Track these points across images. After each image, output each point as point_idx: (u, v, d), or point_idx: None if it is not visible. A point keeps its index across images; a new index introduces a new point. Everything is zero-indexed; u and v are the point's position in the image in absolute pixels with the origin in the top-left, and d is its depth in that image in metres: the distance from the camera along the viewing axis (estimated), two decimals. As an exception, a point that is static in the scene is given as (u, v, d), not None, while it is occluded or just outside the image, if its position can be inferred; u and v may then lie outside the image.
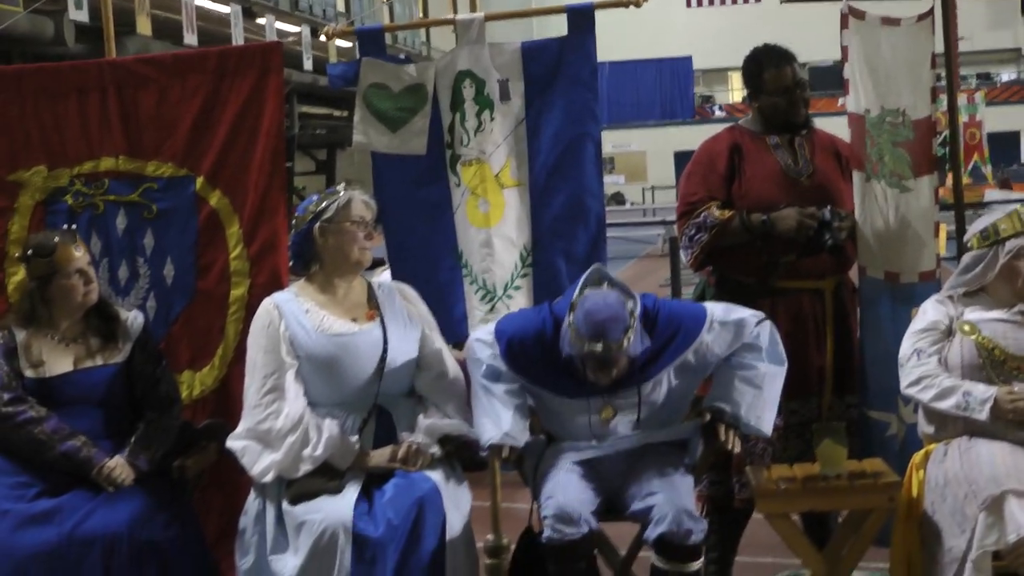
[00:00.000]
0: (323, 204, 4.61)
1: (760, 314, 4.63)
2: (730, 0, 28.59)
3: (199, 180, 5.13)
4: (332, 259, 4.62)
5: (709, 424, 4.55)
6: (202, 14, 16.69)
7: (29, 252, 4.68)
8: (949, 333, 4.52)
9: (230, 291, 5.11)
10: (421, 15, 31.45)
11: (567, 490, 4.36)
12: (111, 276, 5.16)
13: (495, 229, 5.16)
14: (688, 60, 36.27)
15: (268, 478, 4.40)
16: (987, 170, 25.75)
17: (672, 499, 4.30)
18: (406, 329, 4.63)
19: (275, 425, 4.43)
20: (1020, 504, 4.11)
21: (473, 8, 5.33)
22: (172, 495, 4.62)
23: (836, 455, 4.50)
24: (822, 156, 5.24)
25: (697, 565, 4.32)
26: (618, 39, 27.39)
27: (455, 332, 5.17)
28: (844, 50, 5.20)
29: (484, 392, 4.54)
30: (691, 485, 4.50)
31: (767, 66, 5.21)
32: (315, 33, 20.90)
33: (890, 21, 5.12)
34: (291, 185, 24.46)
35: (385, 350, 4.54)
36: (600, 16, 5.08)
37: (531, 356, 4.55)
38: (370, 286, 4.72)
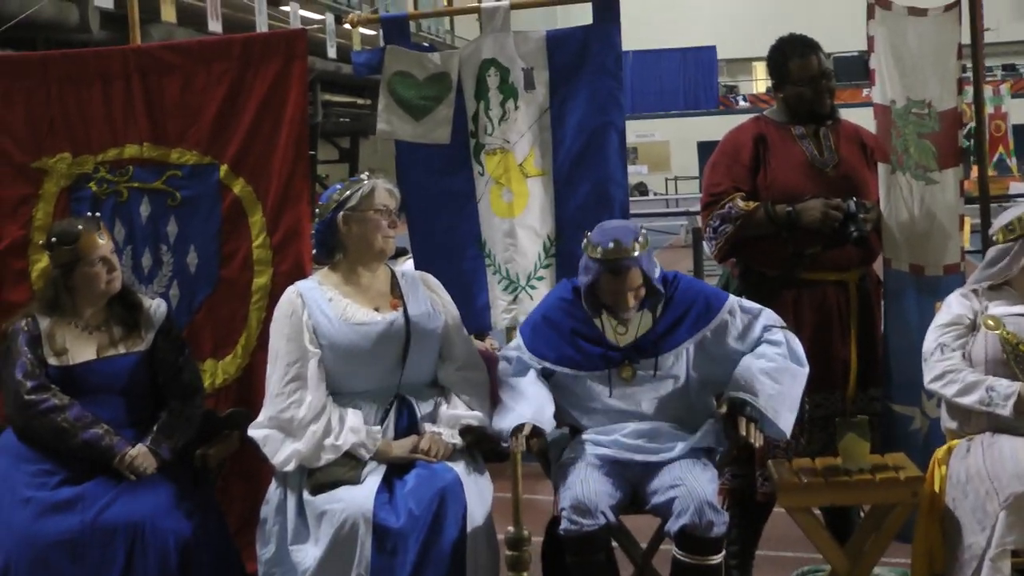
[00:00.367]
0: (347, 192, 4.60)
1: (781, 321, 4.64)
2: (754, -11, 28.46)
3: (223, 168, 5.14)
4: (356, 248, 4.60)
5: (729, 417, 4.51)
6: (226, 1, 16.67)
7: (53, 240, 4.68)
8: (973, 327, 4.50)
9: (253, 279, 5.12)
10: (446, 3, 31.31)
11: (586, 482, 4.35)
12: (134, 264, 5.18)
13: (519, 219, 5.15)
14: (712, 49, 36.14)
15: (290, 467, 4.39)
16: (1012, 162, 25.55)
17: (694, 491, 4.27)
18: (429, 319, 4.62)
19: (297, 414, 4.42)
20: (1042, 502, 4.08)
21: (498, -4, 5.31)
22: (194, 484, 4.63)
23: (859, 449, 4.48)
24: (847, 147, 5.20)
25: (718, 558, 4.29)
26: (642, 28, 27.30)
27: (478, 322, 5.18)
28: (870, 40, 5.17)
29: (510, 388, 4.58)
30: (714, 477, 4.46)
31: (792, 56, 5.18)
32: (339, 20, 20.85)
33: (916, 11, 5.09)
34: (314, 173, 24.49)
35: (408, 339, 4.54)
36: (624, 4, 5.07)
37: (552, 327, 4.59)
38: (394, 275, 4.71)
